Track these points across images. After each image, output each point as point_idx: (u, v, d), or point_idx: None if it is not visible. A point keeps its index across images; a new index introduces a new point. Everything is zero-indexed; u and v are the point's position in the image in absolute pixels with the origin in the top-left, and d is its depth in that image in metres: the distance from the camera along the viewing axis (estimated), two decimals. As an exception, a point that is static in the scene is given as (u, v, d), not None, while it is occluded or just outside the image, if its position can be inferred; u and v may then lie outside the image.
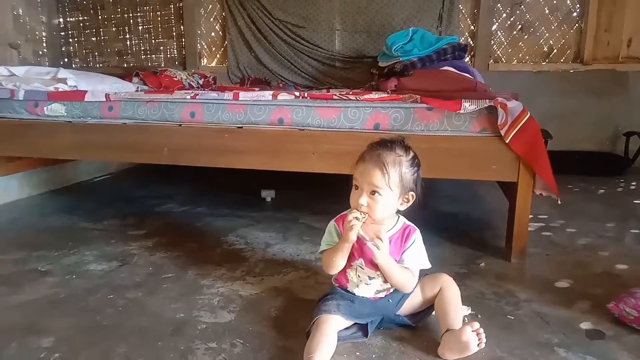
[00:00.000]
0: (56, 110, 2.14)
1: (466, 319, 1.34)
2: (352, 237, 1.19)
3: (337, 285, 1.32)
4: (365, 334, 1.25)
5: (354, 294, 1.28)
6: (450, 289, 1.27)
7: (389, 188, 1.19)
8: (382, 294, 1.29)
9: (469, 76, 2.23)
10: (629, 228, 2.20)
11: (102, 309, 1.42)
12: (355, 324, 1.26)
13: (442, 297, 1.26)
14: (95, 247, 1.93)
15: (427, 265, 1.30)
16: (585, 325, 1.32)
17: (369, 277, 1.27)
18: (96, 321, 1.35)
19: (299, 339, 1.18)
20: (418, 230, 1.30)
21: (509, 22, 3.68)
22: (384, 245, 1.19)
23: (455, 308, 1.24)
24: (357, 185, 1.22)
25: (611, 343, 1.24)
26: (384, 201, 1.20)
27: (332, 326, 1.19)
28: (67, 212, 2.44)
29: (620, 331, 1.28)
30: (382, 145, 1.23)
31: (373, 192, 1.20)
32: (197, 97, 2.02)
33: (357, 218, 1.18)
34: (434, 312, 1.28)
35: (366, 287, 1.28)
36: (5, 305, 1.45)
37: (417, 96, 1.82)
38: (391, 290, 1.29)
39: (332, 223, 1.32)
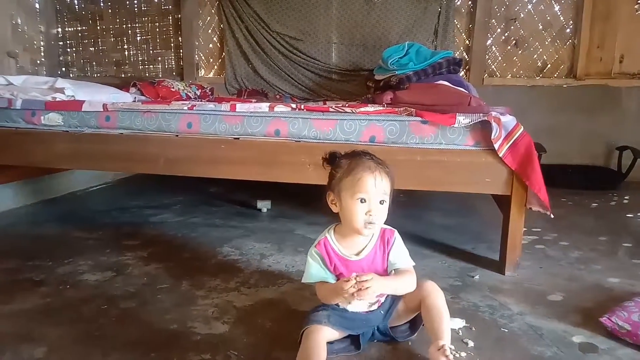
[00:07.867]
0: (53, 119, 2.15)
1: (460, 331, 1.34)
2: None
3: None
4: (358, 347, 1.24)
5: (346, 310, 1.27)
6: (431, 297, 1.23)
7: (390, 193, 1.22)
8: (375, 307, 1.28)
9: (464, 90, 2.26)
10: (621, 242, 2.22)
11: (96, 319, 1.41)
12: (348, 336, 1.26)
13: (425, 307, 1.23)
14: (89, 256, 1.93)
15: (411, 262, 1.30)
16: (578, 339, 1.32)
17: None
18: (90, 331, 1.34)
19: (293, 351, 1.18)
20: (396, 231, 1.30)
21: (503, 37, 3.74)
22: (374, 285, 1.16)
23: (438, 318, 1.20)
24: (364, 198, 1.19)
25: (604, 357, 1.24)
26: (387, 207, 1.23)
27: (322, 336, 1.18)
28: (62, 222, 2.43)
29: (613, 345, 1.29)
30: (362, 155, 1.24)
31: (382, 202, 1.21)
32: (194, 108, 2.04)
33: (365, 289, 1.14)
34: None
35: (359, 304, 1.27)
36: (-2, 315, 1.45)
37: (412, 109, 1.84)
38: (382, 300, 1.29)
39: (314, 251, 1.27)
